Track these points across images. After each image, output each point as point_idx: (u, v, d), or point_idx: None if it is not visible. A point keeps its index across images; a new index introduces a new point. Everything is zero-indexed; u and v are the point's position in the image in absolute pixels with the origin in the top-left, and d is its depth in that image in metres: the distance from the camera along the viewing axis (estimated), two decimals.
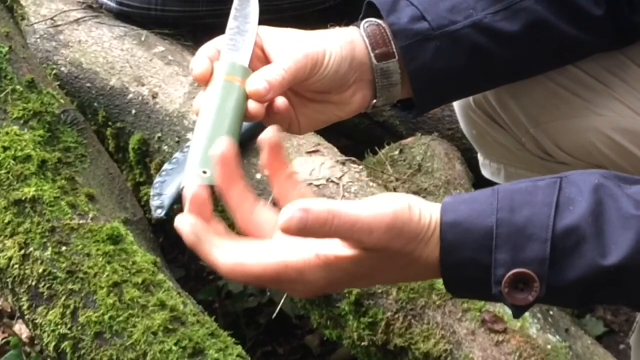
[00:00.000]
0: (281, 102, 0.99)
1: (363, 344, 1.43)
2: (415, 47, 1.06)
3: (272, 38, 1.03)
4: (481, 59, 1.10)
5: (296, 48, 1.00)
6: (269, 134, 0.89)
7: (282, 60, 0.99)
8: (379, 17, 1.08)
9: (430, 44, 1.06)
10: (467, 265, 0.81)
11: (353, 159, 1.60)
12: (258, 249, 0.84)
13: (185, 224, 0.84)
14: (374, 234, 0.80)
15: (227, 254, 0.83)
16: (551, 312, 1.43)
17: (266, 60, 1.02)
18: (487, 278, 0.81)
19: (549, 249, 0.79)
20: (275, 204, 0.89)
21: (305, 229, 0.79)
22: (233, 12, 1.04)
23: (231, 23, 1.02)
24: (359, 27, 1.06)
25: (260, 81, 0.96)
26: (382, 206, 0.81)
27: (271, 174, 0.90)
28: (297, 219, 0.79)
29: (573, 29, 1.12)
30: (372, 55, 1.05)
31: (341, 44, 1.03)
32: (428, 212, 0.83)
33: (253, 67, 0.99)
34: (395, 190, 1.63)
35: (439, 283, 1.38)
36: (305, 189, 0.91)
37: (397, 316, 1.39)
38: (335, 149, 1.62)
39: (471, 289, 0.84)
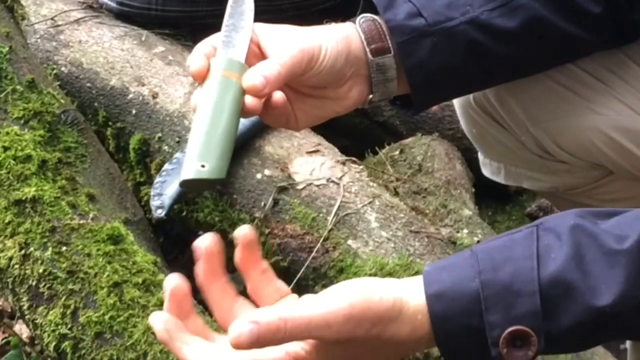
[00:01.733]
0: (278, 96, 1.00)
1: None
2: (411, 43, 1.06)
3: (267, 34, 1.03)
4: (478, 55, 1.10)
5: (292, 43, 1.00)
6: (243, 231, 0.90)
7: (278, 55, 0.99)
8: (376, 13, 1.08)
9: (426, 40, 1.06)
10: (460, 333, 0.80)
11: (353, 158, 1.60)
12: (228, 349, 0.82)
13: (157, 320, 0.85)
14: (333, 327, 0.79)
15: (196, 353, 0.84)
16: None
17: (262, 56, 1.02)
18: (483, 342, 0.80)
19: (539, 301, 0.78)
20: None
21: (258, 341, 0.78)
22: (228, 10, 1.04)
23: (226, 20, 1.03)
24: (354, 22, 1.07)
25: (257, 76, 0.96)
26: (336, 299, 0.80)
27: (245, 270, 0.91)
28: (246, 333, 0.77)
29: (571, 27, 1.11)
30: (368, 50, 1.05)
31: (337, 38, 1.04)
32: (390, 292, 0.81)
33: (249, 63, 0.99)
34: (395, 189, 1.63)
35: None
36: (281, 283, 0.91)
37: None
38: (336, 149, 1.62)
39: (470, 356, 0.82)
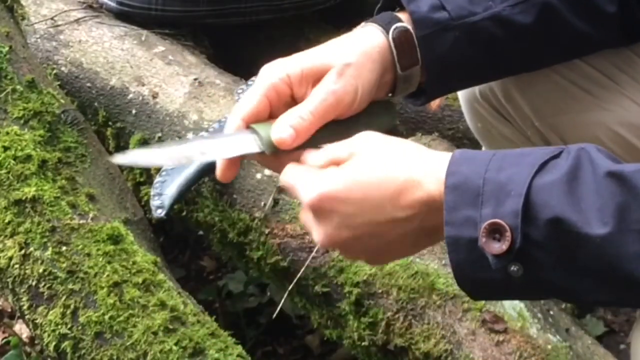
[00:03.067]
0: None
1: (363, 343, 1.43)
2: (434, 36, 1.06)
3: (300, 66, 1.02)
4: (495, 50, 1.11)
5: (324, 86, 0.99)
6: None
7: (309, 101, 0.99)
8: (394, 4, 1.08)
9: (448, 34, 1.07)
10: (463, 223, 0.85)
11: None
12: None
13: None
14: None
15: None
16: (551, 312, 1.43)
17: (292, 93, 1.02)
18: (477, 235, 0.85)
19: (522, 203, 0.83)
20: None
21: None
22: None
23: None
24: (387, 30, 1.05)
25: (286, 128, 0.96)
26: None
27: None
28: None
29: (585, 24, 1.12)
30: (398, 65, 1.05)
31: (370, 67, 1.02)
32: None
33: (279, 103, 1.00)
34: None
35: (439, 283, 1.38)
36: None
37: (397, 316, 1.39)
38: None
39: (465, 249, 0.86)
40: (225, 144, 0.98)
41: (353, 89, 1.00)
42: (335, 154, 0.94)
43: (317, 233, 0.93)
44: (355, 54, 1.02)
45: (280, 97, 1.00)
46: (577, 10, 1.11)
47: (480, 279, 0.87)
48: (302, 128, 0.96)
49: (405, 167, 0.90)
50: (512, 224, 0.83)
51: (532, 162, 0.85)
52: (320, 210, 0.91)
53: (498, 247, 0.83)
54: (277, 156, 0.97)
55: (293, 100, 1.02)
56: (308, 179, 0.92)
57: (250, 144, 0.97)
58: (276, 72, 1.01)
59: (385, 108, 1.08)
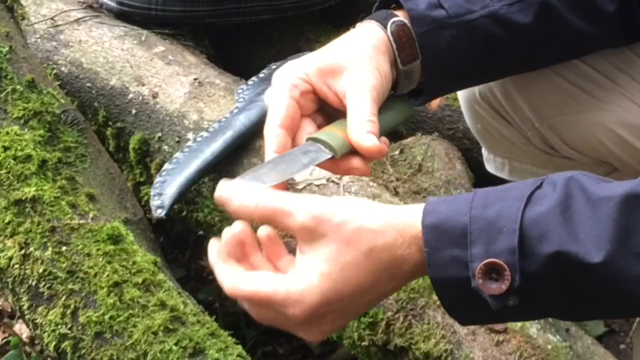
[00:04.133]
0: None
1: (363, 343, 1.43)
2: (431, 34, 1.06)
3: (326, 74, 1.02)
4: (493, 49, 1.10)
5: (359, 84, 1.00)
6: (265, 231, 0.92)
7: (361, 105, 0.99)
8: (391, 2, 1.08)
9: (446, 32, 1.07)
10: (449, 264, 0.83)
11: None
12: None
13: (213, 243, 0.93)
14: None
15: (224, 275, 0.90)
16: None
17: (318, 100, 1.03)
18: (467, 275, 0.83)
19: (517, 239, 0.80)
20: None
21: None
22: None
23: None
24: (384, 25, 1.05)
25: (368, 137, 0.98)
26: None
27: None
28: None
29: (584, 24, 1.12)
30: (399, 60, 1.05)
31: (384, 58, 1.03)
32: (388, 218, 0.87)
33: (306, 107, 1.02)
34: (395, 189, 1.63)
35: None
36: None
37: (397, 316, 1.39)
38: None
39: (458, 287, 0.84)
40: (299, 159, 0.98)
41: (385, 79, 1.02)
42: (282, 220, 0.88)
43: (310, 334, 0.89)
44: (368, 48, 1.03)
45: (304, 94, 1.01)
46: (576, 9, 1.11)
47: (473, 312, 0.86)
48: (375, 129, 0.98)
49: (384, 245, 0.86)
50: (509, 262, 0.81)
51: (519, 195, 0.83)
52: (312, 319, 0.87)
53: (497, 287, 0.81)
54: (336, 160, 0.99)
55: (316, 95, 1.02)
56: (290, 293, 0.86)
57: (321, 152, 0.99)
58: (292, 72, 1.02)
59: (400, 100, 1.09)
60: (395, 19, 1.05)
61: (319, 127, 1.03)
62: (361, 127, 0.97)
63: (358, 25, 1.08)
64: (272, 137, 0.99)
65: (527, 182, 0.86)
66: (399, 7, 1.08)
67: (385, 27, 1.05)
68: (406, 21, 1.06)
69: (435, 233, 0.83)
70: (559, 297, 0.84)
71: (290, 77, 1.01)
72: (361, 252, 0.85)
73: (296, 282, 0.86)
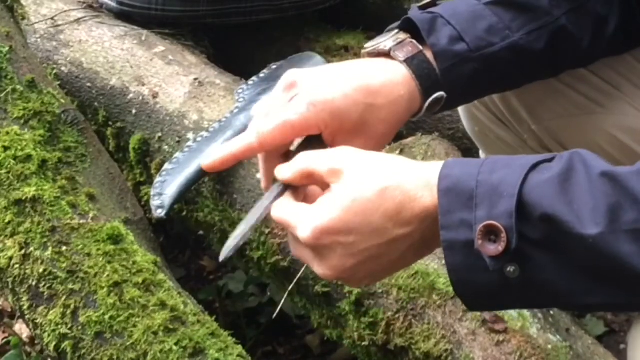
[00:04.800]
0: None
1: (363, 343, 1.43)
2: (455, 68, 1.07)
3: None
4: (509, 75, 1.12)
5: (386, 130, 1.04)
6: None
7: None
8: (407, 30, 1.08)
9: (467, 65, 1.08)
10: (458, 226, 0.86)
11: None
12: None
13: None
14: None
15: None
16: (551, 312, 1.43)
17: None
18: (472, 237, 0.85)
19: (515, 203, 0.83)
20: None
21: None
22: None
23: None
24: (407, 63, 1.06)
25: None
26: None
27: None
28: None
29: (591, 39, 1.14)
30: (424, 98, 1.07)
31: (402, 104, 1.05)
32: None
33: None
34: None
35: (440, 283, 1.38)
36: None
37: (397, 316, 1.39)
38: None
39: (461, 251, 0.86)
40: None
41: (388, 127, 1.06)
42: (310, 166, 0.94)
43: (321, 268, 0.92)
44: (385, 91, 1.05)
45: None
46: (586, 27, 1.12)
47: (476, 282, 0.87)
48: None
49: (399, 184, 0.89)
50: (506, 225, 0.83)
51: (524, 163, 0.86)
52: (319, 246, 0.91)
53: (494, 248, 0.84)
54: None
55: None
56: (302, 215, 0.92)
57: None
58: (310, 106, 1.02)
59: None
60: (418, 56, 1.06)
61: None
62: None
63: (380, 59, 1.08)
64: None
65: (539, 155, 0.88)
66: (411, 29, 1.08)
67: (406, 63, 1.06)
68: (430, 57, 1.07)
69: (448, 197, 0.86)
70: (555, 268, 0.85)
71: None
72: (375, 189, 0.88)
73: (308, 207, 0.92)
